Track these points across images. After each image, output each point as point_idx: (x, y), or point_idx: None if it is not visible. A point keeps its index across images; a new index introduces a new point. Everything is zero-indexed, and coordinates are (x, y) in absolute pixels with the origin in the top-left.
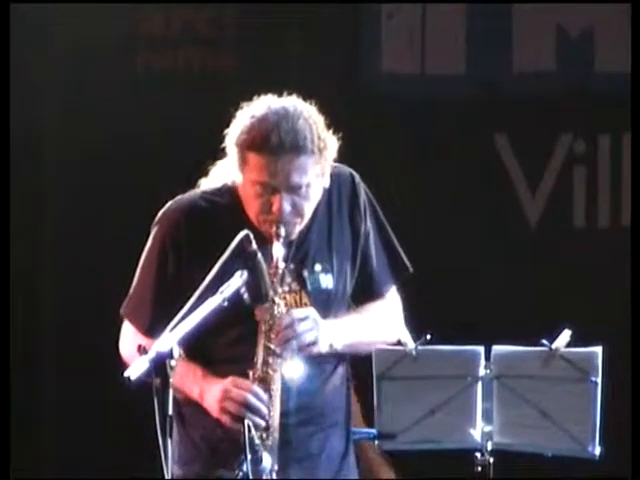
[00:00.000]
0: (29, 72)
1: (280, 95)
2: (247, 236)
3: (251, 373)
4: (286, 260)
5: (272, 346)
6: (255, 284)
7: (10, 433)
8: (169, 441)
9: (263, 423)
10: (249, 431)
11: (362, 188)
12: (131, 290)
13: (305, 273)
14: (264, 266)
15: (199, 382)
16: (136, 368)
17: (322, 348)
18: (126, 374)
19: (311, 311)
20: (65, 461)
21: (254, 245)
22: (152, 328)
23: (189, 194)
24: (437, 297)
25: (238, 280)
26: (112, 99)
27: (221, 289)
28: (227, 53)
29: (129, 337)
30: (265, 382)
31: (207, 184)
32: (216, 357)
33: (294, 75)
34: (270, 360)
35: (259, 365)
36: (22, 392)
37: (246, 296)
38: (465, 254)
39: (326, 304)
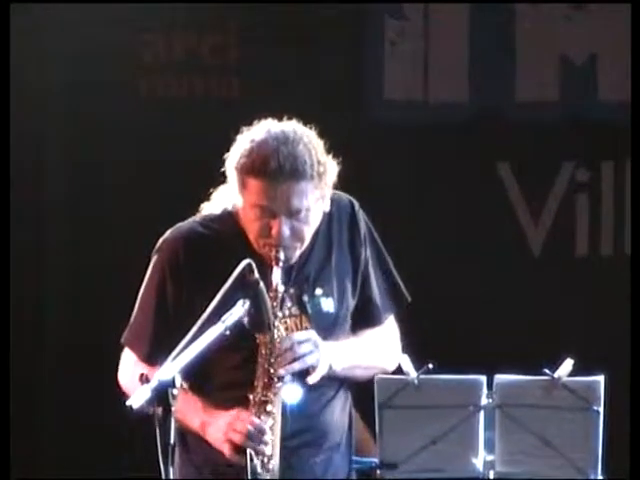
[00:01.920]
0: (30, 96)
1: (281, 120)
2: (249, 265)
3: (252, 397)
4: (286, 284)
5: (273, 369)
6: (257, 313)
7: (10, 433)
8: (171, 470)
9: (267, 452)
10: (251, 460)
11: (362, 216)
12: (132, 318)
13: (305, 297)
14: (266, 295)
15: (200, 414)
16: (138, 397)
17: (322, 370)
18: (128, 403)
19: (311, 333)
20: (65, 461)
21: (256, 274)
22: (152, 356)
23: (188, 222)
24: (439, 326)
25: (240, 309)
26: (115, 125)
27: (223, 318)
28: (229, 80)
29: (129, 365)
30: (265, 405)
31: (209, 209)
32: (215, 383)
33: (296, 102)
34: (271, 384)
35: (260, 389)
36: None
37: (247, 325)
38: (467, 282)
39: (328, 328)
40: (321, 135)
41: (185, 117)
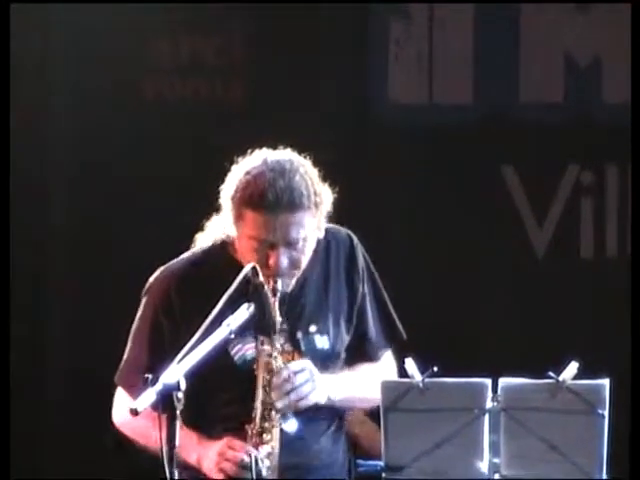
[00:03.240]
0: (33, 99)
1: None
2: (254, 268)
3: (249, 428)
4: (280, 317)
5: (270, 401)
6: (262, 316)
7: (10, 434)
8: (175, 472)
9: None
10: (256, 463)
11: (360, 250)
12: (124, 358)
13: (299, 334)
14: (270, 298)
15: (195, 448)
16: (143, 400)
17: (320, 399)
18: (132, 406)
19: (307, 363)
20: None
21: (261, 277)
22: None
23: (178, 260)
24: (443, 329)
25: (244, 312)
26: (119, 128)
27: (227, 321)
28: (233, 82)
29: (123, 405)
30: (263, 437)
31: (202, 239)
32: (210, 417)
33: (300, 104)
34: (268, 415)
35: (257, 420)
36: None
37: (252, 328)
38: (472, 285)
39: (322, 364)
40: (325, 136)
41: (189, 119)
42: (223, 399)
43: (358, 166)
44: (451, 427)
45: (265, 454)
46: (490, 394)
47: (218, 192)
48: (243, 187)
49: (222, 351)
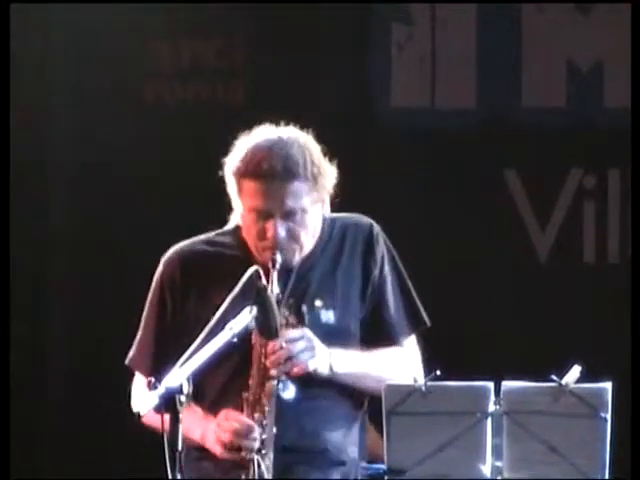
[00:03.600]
0: (33, 99)
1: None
2: (257, 272)
3: (245, 396)
4: (283, 292)
5: (266, 369)
6: (264, 319)
7: (10, 435)
8: (178, 476)
9: (255, 446)
10: (259, 466)
11: (381, 238)
12: (136, 339)
13: (304, 308)
14: (273, 301)
15: (200, 423)
16: (146, 403)
17: (321, 368)
18: (136, 409)
19: (305, 331)
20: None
21: (263, 281)
22: (156, 373)
23: (190, 240)
24: (446, 332)
25: (247, 316)
26: (120, 129)
27: (230, 325)
28: (234, 85)
29: (140, 389)
30: (259, 404)
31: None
32: (209, 398)
33: (302, 108)
34: (265, 382)
35: (254, 388)
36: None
37: (256, 330)
38: (474, 288)
39: (327, 338)
40: (327, 141)
41: (190, 122)
42: (225, 374)
43: (360, 169)
44: (454, 430)
45: (260, 422)
46: (492, 397)
47: (220, 194)
48: (241, 159)
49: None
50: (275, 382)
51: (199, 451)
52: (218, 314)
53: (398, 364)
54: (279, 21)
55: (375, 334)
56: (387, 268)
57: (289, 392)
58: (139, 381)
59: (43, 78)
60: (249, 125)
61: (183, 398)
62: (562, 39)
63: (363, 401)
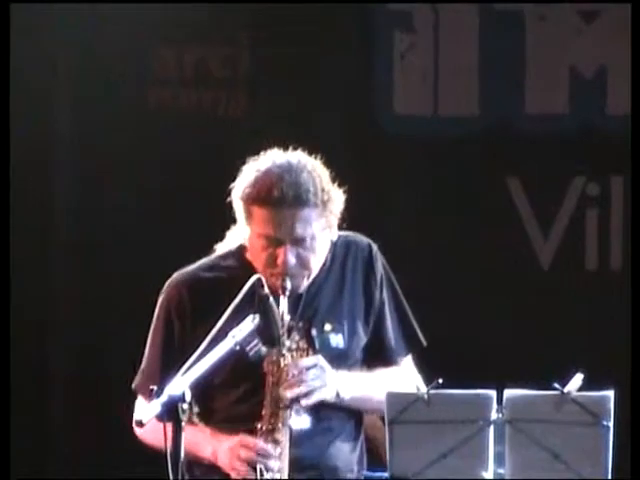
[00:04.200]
0: (36, 108)
1: (287, 146)
2: (259, 280)
3: (259, 426)
4: (294, 316)
5: (279, 397)
6: (266, 327)
7: (10, 435)
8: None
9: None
10: (261, 475)
11: (379, 258)
12: (142, 364)
13: (314, 332)
14: (276, 310)
15: (210, 441)
16: (148, 411)
17: (329, 396)
18: (138, 418)
19: (318, 359)
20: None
21: (266, 289)
22: None
23: (193, 264)
24: (448, 340)
25: (250, 324)
26: (122, 137)
27: (232, 333)
28: (238, 93)
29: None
30: (273, 434)
31: (222, 248)
32: (219, 418)
33: (306, 116)
34: (278, 412)
35: (267, 417)
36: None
37: (259, 352)
38: (476, 297)
39: (336, 363)
40: (330, 148)
41: (193, 130)
42: (235, 396)
43: (363, 177)
44: (456, 438)
45: (276, 453)
46: (495, 405)
47: (221, 201)
48: (251, 185)
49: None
50: (288, 412)
51: (206, 466)
52: (220, 323)
53: (397, 384)
54: (282, 30)
55: (374, 355)
56: (385, 289)
57: (303, 422)
58: (141, 404)
59: (45, 84)
60: (252, 133)
61: (185, 406)
62: (565, 46)
63: (362, 417)
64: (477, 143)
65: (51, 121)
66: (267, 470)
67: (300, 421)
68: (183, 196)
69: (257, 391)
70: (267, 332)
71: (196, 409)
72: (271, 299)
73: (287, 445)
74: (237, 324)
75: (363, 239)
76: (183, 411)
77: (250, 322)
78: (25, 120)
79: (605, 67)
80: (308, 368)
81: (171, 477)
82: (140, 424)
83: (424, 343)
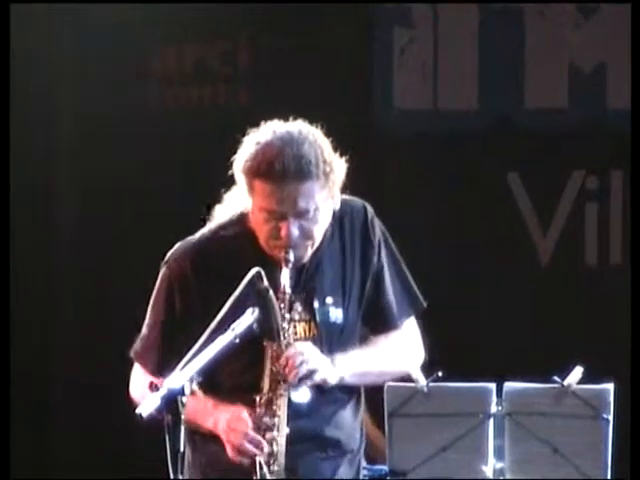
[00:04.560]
0: (39, 104)
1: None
2: (258, 273)
3: (257, 398)
4: (297, 287)
5: (279, 372)
6: (266, 320)
7: (10, 434)
8: (180, 477)
9: (265, 450)
10: (260, 467)
11: (376, 221)
12: (141, 332)
13: (316, 304)
14: (275, 303)
15: (212, 412)
16: (148, 405)
17: (331, 380)
18: (138, 411)
19: (308, 346)
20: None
21: (265, 282)
22: (161, 369)
23: (196, 235)
24: (448, 334)
25: (249, 317)
26: (124, 134)
27: (232, 326)
28: (240, 89)
29: (139, 379)
30: (271, 407)
31: (221, 210)
32: (222, 387)
33: (306, 111)
34: (276, 385)
35: (265, 390)
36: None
37: (257, 332)
38: (476, 291)
39: (335, 337)
40: (330, 143)
41: (193, 126)
42: (233, 369)
43: (362, 173)
44: (455, 432)
45: (274, 424)
46: (494, 399)
47: (222, 196)
48: (252, 158)
49: (229, 325)
50: (287, 386)
51: (205, 435)
52: (220, 315)
53: (399, 350)
54: (281, 25)
55: (375, 320)
56: (383, 253)
57: (303, 395)
58: (138, 371)
59: (46, 81)
60: (252, 128)
61: (185, 399)
62: (564, 41)
63: (361, 391)
64: (476, 138)
65: (52, 120)
66: (259, 446)
67: (301, 394)
68: (184, 192)
69: (258, 362)
70: (266, 325)
71: (199, 379)
72: (271, 292)
73: (284, 417)
74: (236, 316)
75: (358, 202)
76: (183, 404)
77: (250, 315)
78: (26, 119)
79: (604, 62)
80: (301, 352)
81: (170, 471)
82: (140, 417)
83: (424, 303)
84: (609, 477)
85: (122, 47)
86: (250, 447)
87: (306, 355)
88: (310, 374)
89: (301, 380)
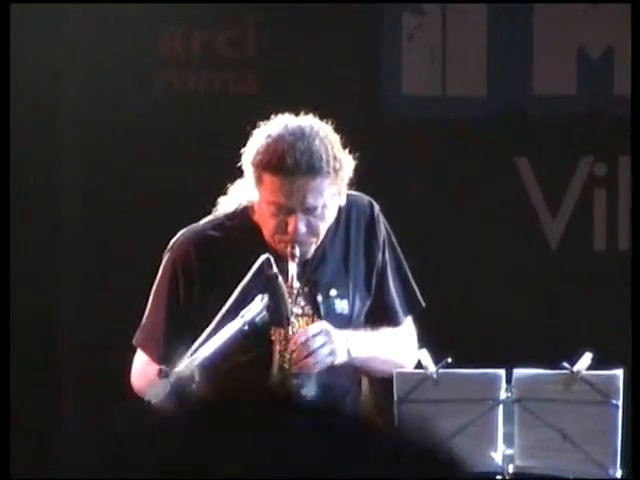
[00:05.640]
0: (45, 89)
1: (297, 114)
2: (268, 260)
3: None
4: (300, 282)
5: (288, 366)
6: (276, 307)
7: (10, 434)
8: None
9: None
10: None
11: (381, 218)
12: (143, 319)
13: (319, 297)
14: (285, 290)
15: None
16: (157, 392)
17: (340, 357)
18: (146, 398)
19: (324, 324)
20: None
21: (275, 269)
22: (166, 356)
23: (200, 223)
24: (457, 319)
25: (259, 304)
26: (130, 119)
27: (242, 313)
28: (247, 75)
29: (142, 367)
30: None
31: (225, 202)
32: (229, 380)
33: (314, 96)
34: (285, 380)
35: (275, 382)
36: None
37: (266, 318)
38: (485, 276)
39: (341, 328)
40: (339, 129)
41: (202, 112)
42: (242, 361)
43: (372, 158)
44: (465, 418)
45: None
46: (504, 385)
47: (230, 184)
48: (263, 150)
49: (238, 312)
50: (297, 380)
51: None
52: (229, 303)
53: (401, 343)
54: (291, 10)
55: (378, 316)
56: (387, 250)
57: (310, 389)
58: (141, 358)
59: (53, 65)
60: (261, 114)
61: (194, 387)
62: (572, 27)
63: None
64: (485, 123)
65: (57, 106)
66: None
67: (307, 389)
68: (192, 177)
69: (265, 357)
70: (276, 312)
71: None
72: (280, 278)
73: None
74: (245, 303)
75: (364, 198)
76: (192, 392)
77: (259, 302)
78: (32, 107)
79: (612, 48)
80: (314, 335)
81: None
82: (148, 404)
83: (422, 304)
84: (618, 462)
85: (130, 30)
86: None
87: (316, 342)
88: (316, 364)
89: (308, 369)
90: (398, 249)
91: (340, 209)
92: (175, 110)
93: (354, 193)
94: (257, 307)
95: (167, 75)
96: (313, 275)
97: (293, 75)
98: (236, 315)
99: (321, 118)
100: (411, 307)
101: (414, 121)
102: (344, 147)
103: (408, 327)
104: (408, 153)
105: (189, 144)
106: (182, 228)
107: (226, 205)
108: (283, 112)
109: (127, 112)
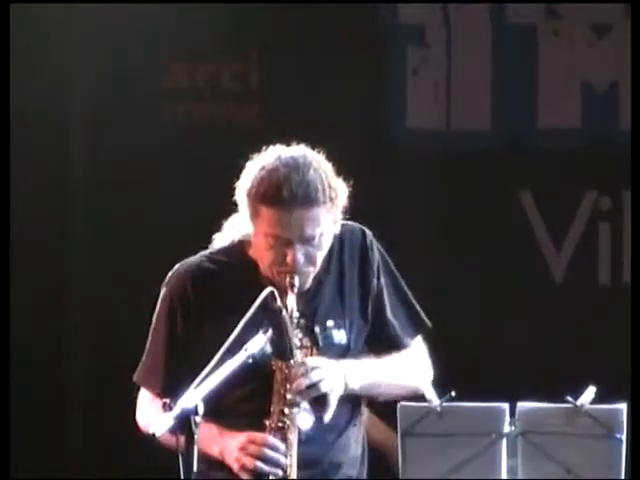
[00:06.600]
0: (54, 119)
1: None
2: (272, 293)
3: (268, 423)
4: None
5: (289, 395)
6: (279, 340)
7: (10, 433)
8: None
9: (281, 473)
10: None
11: (375, 245)
12: (143, 356)
13: (317, 329)
14: (288, 323)
15: (217, 440)
16: (161, 425)
17: (337, 392)
18: (151, 431)
19: (323, 360)
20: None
21: (279, 302)
22: (167, 391)
23: (196, 256)
24: (461, 353)
25: (262, 337)
26: (134, 150)
27: (246, 346)
28: (250, 107)
29: (146, 404)
30: (282, 431)
31: (220, 238)
32: (229, 412)
33: (317, 130)
34: (286, 409)
35: (276, 415)
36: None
37: (269, 351)
38: (489, 311)
39: (341, 358)
40: (343, 163)
41: (205, 143)
42: (242, 394)
43: (375, 192)
44: (469, 451)
45: (284, 451)
46: (508, 418)
47: (232, 214)
48: (258, 183)
49: (242, 345)
50: (296, 410)
51: (211, 462)
52: (233, 335)
53: (408, 365)
54: (294, 43)
55: (379, 342)
56: (383, 275)
57: (306, 422)
58: (145, 396)
59: (58, 96)
60: (264, 147)
61: (198, 419)
62: (577, 60)
63: (362, 411)
64: (490, 157)
65: (63, 134)
66: (277, 466)
67: (307, 419)
68: (195, 208)
69: (263, 389)
70: (280, 345)
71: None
72: (284, 312)
73: (295, 443)
74: (249, 336)
75: (356, 227)
76: (196, 424)
77: (263, 335)
78: (38, 134)
79: (617, 82)
80: (314, 368)
81: None
82: (153, 436)
83: (429, 324)
84: None
85: (134, 61)
86: (267, 467)
87: (314, 375)
88: (320, 393)
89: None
90: (396, 274)
91: (334, 238)
92: (179, 141)
93: (346, 222)
94: (261, 340)
95: (171, 106)
96: (309, 306)
97: (296, 108)
98: (239, 348)
99: (324, 152)
100: (416, 329)
101: (418, 154)
102: (348, 179)
103: (416, 347)
104: (412, 186)
105: (194, 175)
106: (183, 258)
107: (221, 241)
108: (287, 144)
109: (132, 143)
